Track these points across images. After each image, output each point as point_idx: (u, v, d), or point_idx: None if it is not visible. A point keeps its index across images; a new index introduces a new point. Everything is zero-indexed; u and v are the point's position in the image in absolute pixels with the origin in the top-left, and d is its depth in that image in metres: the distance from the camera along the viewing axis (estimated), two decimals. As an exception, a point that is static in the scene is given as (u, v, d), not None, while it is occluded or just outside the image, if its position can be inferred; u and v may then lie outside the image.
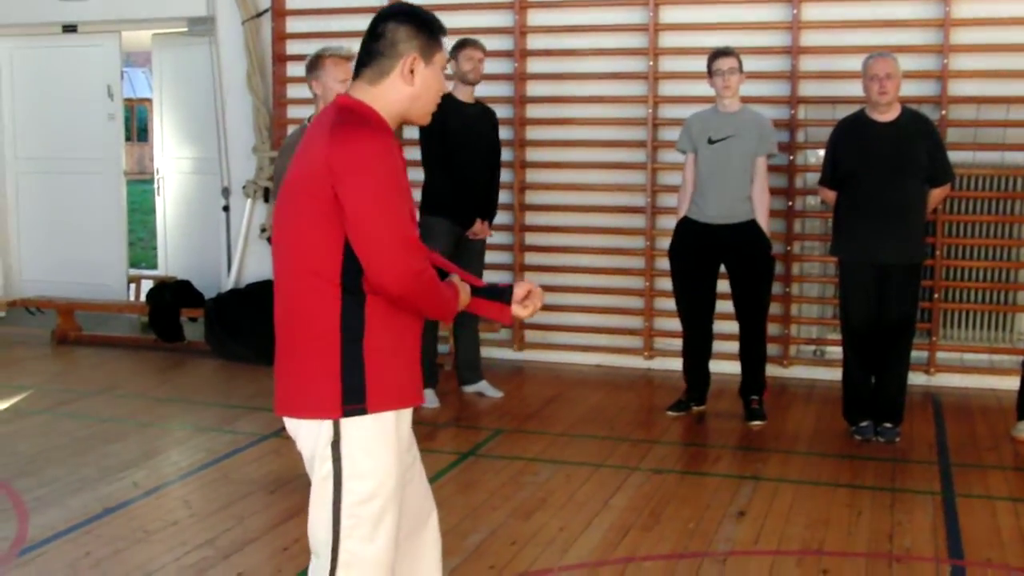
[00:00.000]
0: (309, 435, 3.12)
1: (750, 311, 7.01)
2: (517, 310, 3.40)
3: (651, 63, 8.34)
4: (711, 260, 7.04)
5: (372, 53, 3.13)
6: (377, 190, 2.97)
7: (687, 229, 7.01)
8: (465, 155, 7.22)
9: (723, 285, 7.12)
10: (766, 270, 6.98)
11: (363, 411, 3.05)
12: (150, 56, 11.07)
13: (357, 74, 3.16)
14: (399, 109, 3.15)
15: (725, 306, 7.16)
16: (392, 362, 3.11)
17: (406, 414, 3.22)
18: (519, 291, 3.40)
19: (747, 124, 6.91)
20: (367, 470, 3.09)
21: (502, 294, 3.41)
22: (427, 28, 3.14)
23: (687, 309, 7.15)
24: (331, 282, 3.03)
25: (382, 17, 3.15)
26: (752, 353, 7.07)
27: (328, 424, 3.07)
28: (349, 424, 3.06)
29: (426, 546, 3.44)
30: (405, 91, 3.12)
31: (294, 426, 3.18)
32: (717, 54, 6.92)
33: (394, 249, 2.98)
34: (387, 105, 3.12)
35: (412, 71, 3.11)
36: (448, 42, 3.25)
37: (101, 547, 5.01)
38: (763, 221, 6.92)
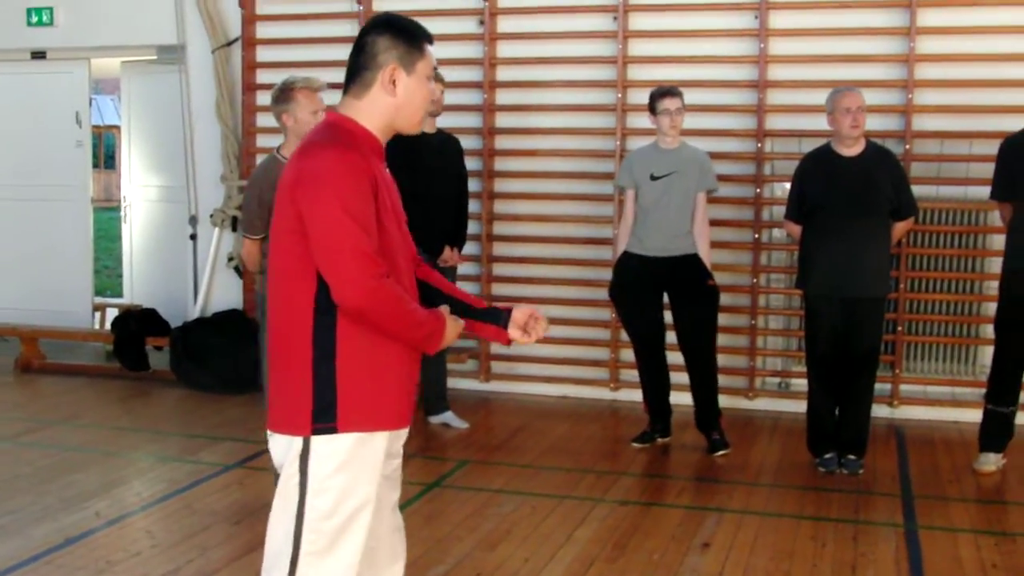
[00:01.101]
0: (279, 448, 3.17)
1: (694, 342, 7.03)
2: (515, 335, 3.41)
3: (619, 95, 8.39)
4: (654, 292, 7.07)
5: (356, 67, 3.18)
6: (332, 202, 2.99)
7: (627, 264, 7.05)
8: (432, 184, 7.25)
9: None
10: (707, 300, 7.01)
11: (333, 430, 3.07)
12: (119, 83, 11.06)
13: (345, 89, 3.20)
14: (385, 121, 3.19)
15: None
16: (368, 383, 3.11)
17: (381, 437, 3.19)
18: (518, 315, 3.41)
19: (688, 161, 6.98)
20: (331, 486, 3.10)
21: (498, 317, 3.42)
22: (407, 36, 3.17)
23: (638, 342, 7.18)
24: (305, 300, 3.07)
25: (364, 30, 3.20)
26: (702, 384, 7.08)
27: (299, 439, 3.09)
28: (318, 440, 3.08)
29: None
30: (388, 102, 3.16)
31: (270, 439, 3.22)
32: (663, 93, 6.96)
33: (347, 261, 2.99)
34: (372, 118, 3.17)
35: (393, 82, 3.15)
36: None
37: (62, 578, 4.97)
38: (704, 254, 6.98)
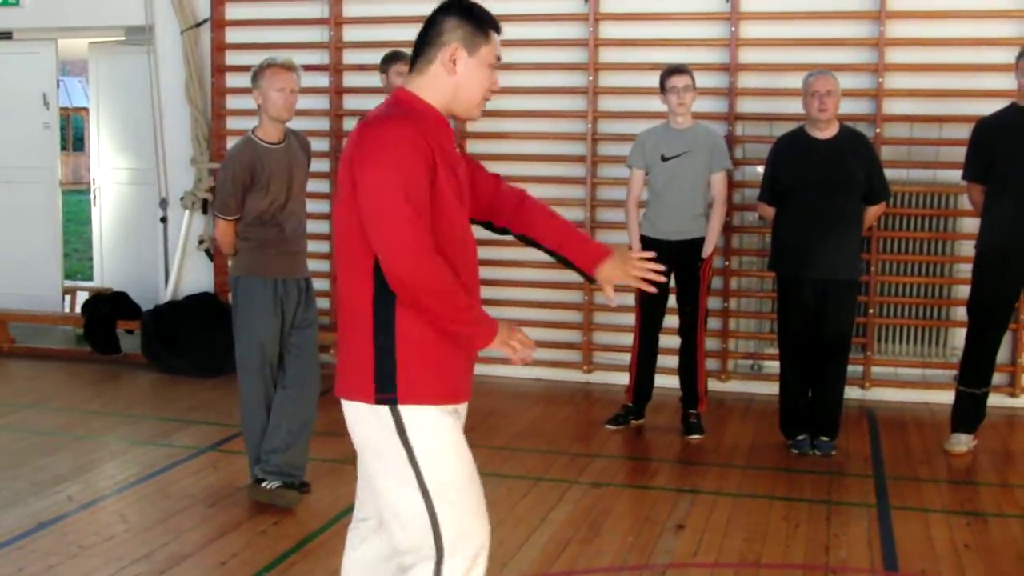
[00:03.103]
0: (353, 413, 3.24)
1: (692, 326, 7.08)
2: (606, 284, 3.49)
3: (591, 78, 8.39)
4: (665, 274, 7.06)
5: (421, 43, 3.21)
6: (382, 172, 3.01)
7: (643, 244, 7.03)
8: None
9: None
10: (698, 283, 7.05)
11: (394, 401, 3.11)
12: (87, 65, 10.96)
13: (411, 66, 3.24)
14: (445, 99, 3.20)
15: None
16: (426, 358, 3.13)
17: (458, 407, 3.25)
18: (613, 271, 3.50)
19: (700, 141, 6.98)
20: (438, 453, 3.16)
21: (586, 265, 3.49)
22: (474, 20, 3.19)
23: (643, 324, 7.17)
24: (366, 273, 3.10)
25: (436, 11, 3.22)
26: (691, 366, 7.12)
27: (386, 411, 3.13)
28: (408, 412, 3.12)
29: None
30: (447, 81, 3.18)
31: (345, 406, 3.27)
32: (672, 71, 6.97)
33: (394, 230, 3.00)
34: (433, 95, 3.19)
35: (454, 61, 3.16)
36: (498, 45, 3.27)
37: (35, 563, 4.94)
38: (712, 238, 6.99)
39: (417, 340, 3.11)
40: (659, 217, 6.99)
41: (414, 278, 3.01)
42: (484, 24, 3.20)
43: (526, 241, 3.54)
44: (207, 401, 7.92)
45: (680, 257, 6.92)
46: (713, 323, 8.32)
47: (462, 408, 3.32)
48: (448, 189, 3.12)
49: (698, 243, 6.97)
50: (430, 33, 3.18)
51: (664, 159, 6.96)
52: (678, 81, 6.89)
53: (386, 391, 3.12)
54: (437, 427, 3.16)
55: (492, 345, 3.17)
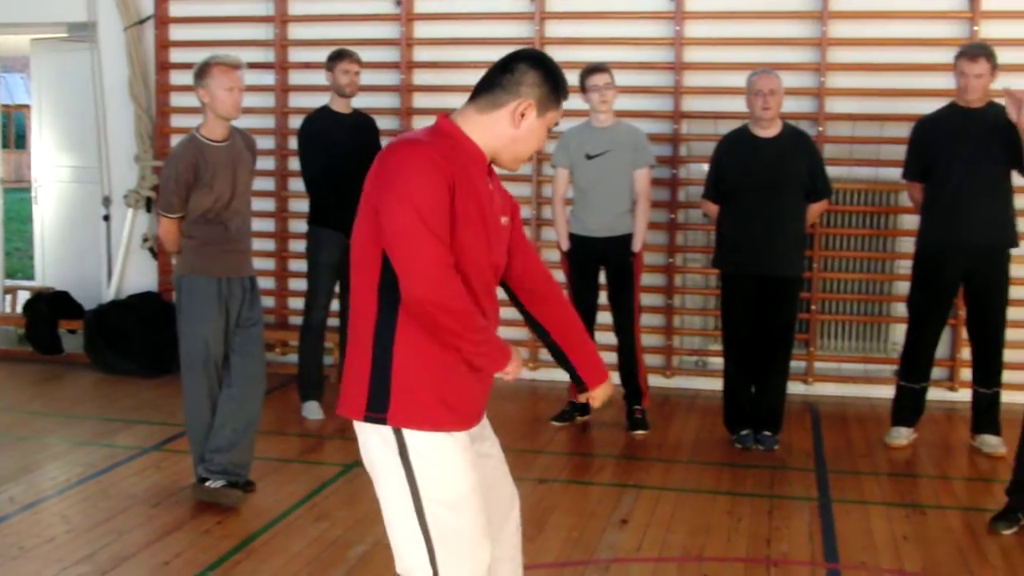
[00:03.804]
0: (363, 433, 3.19)
1: (626, 321, 7.11)
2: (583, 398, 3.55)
3: (537, 77, 8.39)
4: (592, 271, 7.14)
5: (494, 84, 3.16)
6: (404, 194, 2.98)
7: (572, 245, 7.09)
8: (347, 165, 7.21)
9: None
10: (630, 277, 7.10)
11: (383, 421, 3.10)
12: (28, 61, 10.83)
13: (472, 99, 3.20)
14: (495, 144, 3.17)
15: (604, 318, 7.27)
16: (427, 382, 3.10)
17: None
18: (598, 393, 3.54)
19: (622, 138, 7.03)
20: (438, 475, 3.12)
21: (580, 382, 3.53)
22: (554, 83, 3.17)
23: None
24: (371, 291, 3.09)
25: (519, 56, 3.19)
26: (630, 362, 7.16)
27: (388, 431, 3.11)
28: (410, 434, 3.10)
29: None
30: (508, 131, 3.15)
31: (355, 426, 3.23)
32: (591, 70, 7.01)
33: (415, 251, 2.97)
34: (486, 138, 3.16)
35: (523, 114, 3.13)
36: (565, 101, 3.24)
37: (-26, 564, 4.90)
38: (640, 234, 7.03)
39: (417, 363, 3.09)
40: (586, 214, 7.04)
41: (433, 297, 2.98)
42: (561, 90, 3.19)
43: (532, 323, 3.49)
44: (151, 401, 7.87)
45: (609, 254, 6.98)
46: (658, 320, 8.40)
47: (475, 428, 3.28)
48: (471, 214, 3.08)
49: (625, 239, 7.02)
50: (506, 78, 3.15)
51: (588, 157, 7.00)
52: (598, 80, 6.93)
53: (377, 410, 3.10)
54: (439, 449, 3.12)
55: (503, 371, 3.16)
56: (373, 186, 3.09)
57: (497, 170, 3.27)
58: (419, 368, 3.09)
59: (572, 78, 8.12)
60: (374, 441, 3.15)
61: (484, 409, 3.33)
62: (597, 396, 3.52)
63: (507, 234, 3.30)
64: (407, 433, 3.10)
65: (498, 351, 3.15)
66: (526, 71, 3.14)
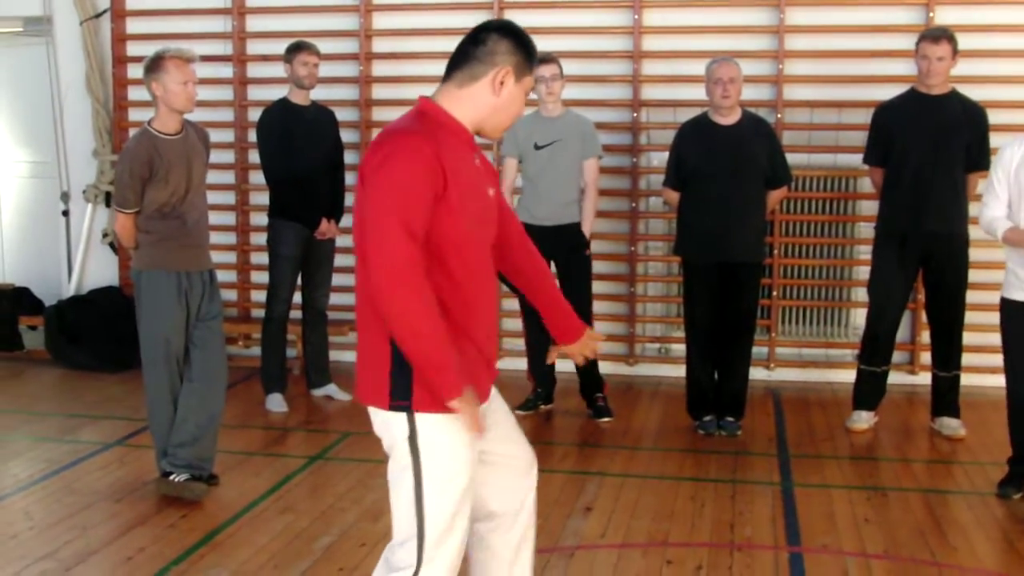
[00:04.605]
0: (378, 420, 3.27)
1: (580, 311, 7.09)
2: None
3: (496, 66, 8.39)
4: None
5: (468, 57, 3.22)
6: (385, 182, 3.02)
7: None
8: (307, 157, 7.21)
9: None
10: (583, 268, 7.09)
11: (407, 409, 3.15)
12: (-17, 57, 10.72)
13: (447, 76, 3.25)
14: (478, 116, 3.24)
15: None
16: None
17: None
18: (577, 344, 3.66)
19: (571, 128, 7.04)
20: (440, 463, 3.19)
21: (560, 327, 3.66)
22: (527, 49, 3.25)
23: (525, 310, 7.23)
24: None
25: (487, 27, 3.25)
26: None
27: (402, 417, 3.17)
28: (422, 419, 3.16)
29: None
30: (489, 100, 3.21)
31: (370, 411, 3.30)
32: (539, 61, 6.99)
33: (381, 238, 2.99)
34: (468, 110, 3.22)
35: (502, 82, 3.20)
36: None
37: (-64, 563, 4.86)
38: (587, 221, 7.06)
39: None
40: (534, 204, 7.04)
41: (387, 298, 3.01)
42: (533, 55, 3.27)
43: (509, 286, 3.62)
44: (113, 396, 7.83)
45: (557, 243, 6.98)
46: (620, 308, 8.43)
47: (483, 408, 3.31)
48: (464, 209, 3.11)
49: (573, 227, 7.01)
50: (480, 50, 3.20)
51: (537, 147, 7.02)
52: (545, 71, 6.93)
53: (401, 398, 3.16)
54: (448, 439, 3.17)
55: (451, 399, 3.10)
56: (362, 177, 3.13)
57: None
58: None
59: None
60: (388, 425, 3.22)
61: (491, 388, 3.42)
62: (572, 351, 3.64)
63: (495, 204, 3.36)
64: (419, 418, 3.16)
65: (444, 381, 3.08)
66: (499, 40, 3.20)
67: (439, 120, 3.18)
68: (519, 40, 3.23)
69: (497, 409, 3.45)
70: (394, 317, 3.02)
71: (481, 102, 3.21)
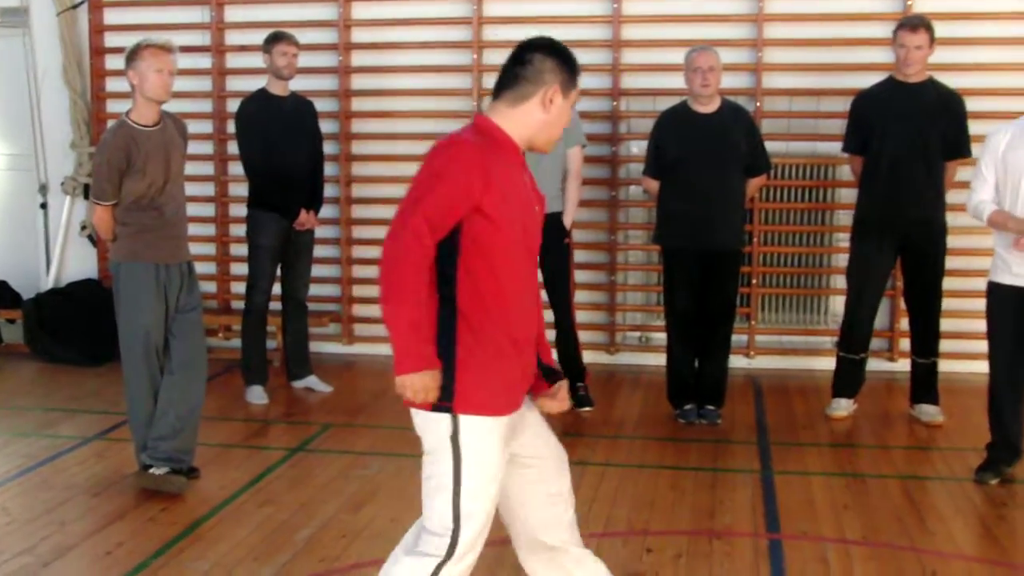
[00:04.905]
0: (418, 421, 3.41)
1: (554, 298, 7.09)
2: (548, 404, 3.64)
3: (475, 56, 8.40)
4: None
5: (516, 77, 3.37)
6: (422, 176, 3.25)
7: None
8: (286, 148, 7.19)
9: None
10: (563, 257, 7.08)
11: (449, 410, 3.29)
12: (-41, 48, 10.65)
13: (496, 95, 3.41)
14: (530, 132, 3.38)
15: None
16: (484, 370, 3.30)
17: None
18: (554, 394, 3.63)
19: None
20: (479, 464, 3.32)
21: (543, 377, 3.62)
22: (571, 66, 3.40)
23: None
24: (432, 287, 3.27)
25: (530, 46, 3.39)
26: (567, 341, 7.16)
27: (447, 417, 3.30)
28: (465, 420, 3.29)
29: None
30: (540, 117, 3.37)
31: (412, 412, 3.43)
32: None
33: (404, 210, 3.22)
34: (520, 128, 3.37)
35: (551, 100, 3.35)
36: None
37: (-87, 558, 4.83)
38: (570, 210, 7.05)
39: (476, 352, 3.29)
40: None
41: (384, 271, 3.21)
42: (576, 71, 3.41)
43: None
44: (92, 389, 7.80)
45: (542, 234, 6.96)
46: (600, 297, 8.43)
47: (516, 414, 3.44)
48: (510, 222, 3.29)
49: (555, 217, 6.98)
50: (527, 70, 3.34)
51: None
52: None
53: (443, 399, 3.29)
54: (487, 441, 3.32)
55: (402, 379, 3.26)
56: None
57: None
58: (478, 359, 3.29)
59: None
60: (431, 426, 3.36)
61: (526, 391, 3.52)
62: (544, 406, 3.64)
63: (540, 221, 3.51)
64: (462, 419, 3.29)
65: (407, 358, 3.25)
66: (544, 59, 3.35)
67: (494, 136, 3.35)
68: (563, 57, 3.38)
69: (527, 413, 3.53)
70: (385, 280, 3.21)
71: (532, 119, 3.36)
